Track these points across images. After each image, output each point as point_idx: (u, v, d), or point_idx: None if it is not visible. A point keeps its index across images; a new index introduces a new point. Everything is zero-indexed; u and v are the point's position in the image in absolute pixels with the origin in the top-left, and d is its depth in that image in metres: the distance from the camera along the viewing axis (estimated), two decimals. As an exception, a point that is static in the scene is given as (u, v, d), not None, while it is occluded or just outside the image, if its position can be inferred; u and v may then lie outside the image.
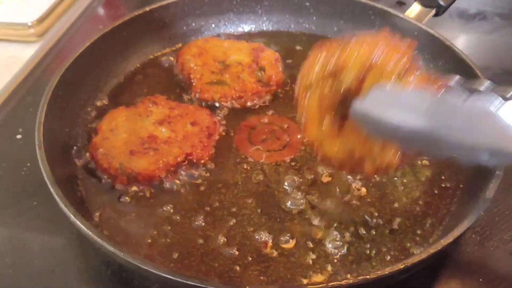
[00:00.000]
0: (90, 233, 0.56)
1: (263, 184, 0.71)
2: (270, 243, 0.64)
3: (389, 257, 0.62)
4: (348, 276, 0.58)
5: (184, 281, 0.51)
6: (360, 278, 0.51)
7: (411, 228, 0.66)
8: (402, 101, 0.54)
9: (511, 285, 0.63)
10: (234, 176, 0.72)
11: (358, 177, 0.71)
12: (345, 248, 0.63)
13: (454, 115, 0.51)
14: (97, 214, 0.67)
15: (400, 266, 0.52)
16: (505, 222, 0.70)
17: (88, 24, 1.10)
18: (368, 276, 0.51)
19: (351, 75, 0.57)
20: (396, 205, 0.68)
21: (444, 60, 0.83)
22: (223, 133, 0.78)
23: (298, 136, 0.77)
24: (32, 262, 0.66)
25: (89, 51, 0.82)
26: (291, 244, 0.64)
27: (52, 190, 0.61)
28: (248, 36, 0.97)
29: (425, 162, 0.74)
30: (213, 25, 0.97)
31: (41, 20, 1.04)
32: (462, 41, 1.04)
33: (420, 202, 0.69)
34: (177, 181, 0.71)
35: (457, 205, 0.67)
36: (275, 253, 0.63)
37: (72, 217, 0.58)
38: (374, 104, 0.55)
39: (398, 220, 0.66)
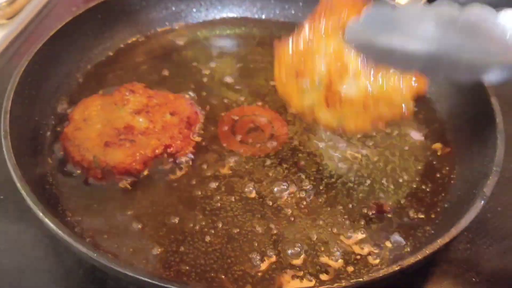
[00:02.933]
0: (60, 232, 0.51)
1: (247, 178, 0.67)
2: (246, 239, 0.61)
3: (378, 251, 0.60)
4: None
5: (163, 285, 0.47)
6: (353, 281, 0.48)
7: (403, 225, 0.63)
8: (398, 20, 0.52)
9: (505, 283, 0.61)
10: (216, 169, 0.68)
11: (343, 167, 0.68)
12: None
13: (452, 25, 0.49)
14: (68, 210, 0.63)
15: (395, 268, 0.49)
16: (497, 219, 0.67)
17: (60, 6, 1.04)
18: (361, 279, 0.48)
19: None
20: (388, 202, 0.65)
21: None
22: (205, 124, 0.74)
23: (285, 129, 0.74)
24: (-2, 261, 0.62)
25: (61, 34, 0.76)
26: (275, 244, 0.60)
27: (18, 185, 0.56)
28: (230, 23, 0.92)
29: (417, 152, 0.71)
30: (194, 10, 0.92)
31: (11, 1, 0.97)
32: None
33: (413, 198, 0.66)
34: (155, 175, 0.67)
35: (451, 202, 0.64)
36: (256, 251, 0.60)
37: (40, 214, 0.53)
38: (368, 25, 0.54)
39: (389, 216, 0.64)
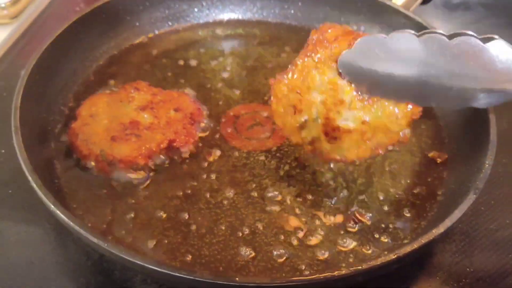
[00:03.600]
0: (71, 223, 0.53)
1: (248, 172, 0.69)
2: (247, 232, 0.63)
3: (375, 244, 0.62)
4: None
5: (170, 272, 0.49)
6: (352, 269, 0.50)
7: (398, 217, 0.65)
8: (390, 47, 0.54)
9: (498, 274, 0.63)
10: (218, 164, 0.70)
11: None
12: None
13: (443, 52, 0.52)
14: (77, 202, 0.65)
15: (393, 256, 0.51)
16: (490, 212, 0.70)
17: (63, 6, 1.06)
18: (360, 267, 0.50)
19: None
20: (382, 195, 0.67)
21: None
22: (208, 120, 0.76)
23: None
24: (8, 254, 0.64)
25: (67, 33, 0.78)
26: (277, 236, 0.62)
27: (29, 177, 0.58)
28: (231, 23, 0.94)
29: (413, 148, 0.73)
30: (196, 10, 0.94)
31: (15, 1, 0.99)
32: (446, 30, 1.03)
33: (407, 191, 0.68)
34: (160, 168, 0.69)
35: (445, 195, 0.66)
36: (258, 242, 0.62)
37: (51, 206, 0.55)
38: (361, 53, 0.55)
39: (385, 208, 0.66)
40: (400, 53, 0.55)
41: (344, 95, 0.59)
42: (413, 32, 0.55)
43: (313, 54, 0.60)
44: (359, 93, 0.59)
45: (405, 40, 0.54)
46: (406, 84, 0.55)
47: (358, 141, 0.61)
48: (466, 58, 0.52)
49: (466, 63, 0.53)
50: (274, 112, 0.65)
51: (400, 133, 0.61)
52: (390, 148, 0.63)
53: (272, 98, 0.65)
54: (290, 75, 0.62)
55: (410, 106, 0.59)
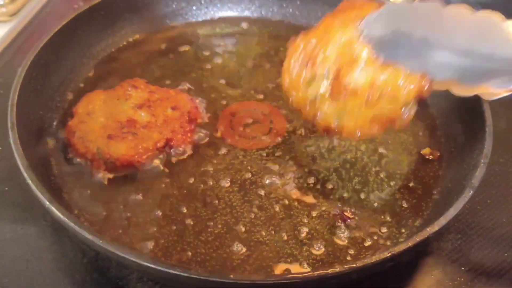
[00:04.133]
0: (66, 220, 0.53)
1: (245, 170, 0.69)
2: (243, 230, 0.63)
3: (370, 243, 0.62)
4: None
5: (166, 270, 0.49)
6: (346, 267, 0.50)
7: (393, 216, 0.65)
8: (415, 14, 0.55)
9: (494, 273, 0.63)
10: (215, 162, 0.70)
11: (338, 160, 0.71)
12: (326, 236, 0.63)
13: (464, 23, 0.53)
14: (72, 200, 0.65)
15: (387, 254, 0.51)
16: (487, 211, 0.70)
17: (62, 3, 1.06)
18: (354, 265, 0.50)
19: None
20: (378, 193, 0.68)
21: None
22: (205, 119, 0.76)
23: (283, 124, 0.76)
24: (4, 251, 0.64)
25: (65, 31, 0.78)
26: (272, 234, 0.63)
27: (25, 174, 0.58)
28: (229, 22, 0.94)
29: (410, 146, 0.73)
30: (194, 8, 0.94)
31: (13, -1, 0.99)
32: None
33: (402, 189, 0.68)
34: (157, 167, 0.69)
35: (442, 194, 0.66)
36: (254, 241, 0.62)
37: (47, 203, 0.55)
38: (385, 17, 0.56)
39: (380, 206, 0.66)
40: (423, 21, 0.55)
41: (359, 54, 0.59)
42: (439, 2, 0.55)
43: (339, 15, 0.61)
44: (375, 55, 0.58)
45: (430, 9, 0.54)
46: (425, 52, 0.55)
47: (361, 108, 0.59)
48: (487, 33, 0.52)
49: (486, 38, 0.52)
50: (284, 68, 0.64)
51: (404, 111, 0.59)
52: (385, 145, 0.62)
53: (287, 54, 0.64)
54: (312, 30, 0.62)
55: (420, 83, 0.58)
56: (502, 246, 0.66)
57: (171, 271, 0.49)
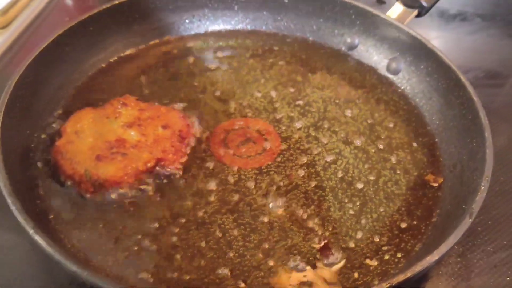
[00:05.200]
0: (51, 250, 0.51)
1: (238, 190, 0.67)
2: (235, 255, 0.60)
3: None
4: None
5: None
6: (343, 298, 0.48)
7: (393, 238, 0.63)
8: None
9: (495, 299, 0.61)
10: (207, 182, 0.68)
11: (335, 178, 0.69)
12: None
13: None
14: (58, 224, 0.63)
15: (385, 285, 0.49)
16: (487, 233, 0.68)
17: (54, 16, 1.04)
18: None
19: None
20: (374, 213, 0.66)
21: (426, 63, 0.80)
22: (197, 137, 0.74)
23: (277, 141, 0.74)
24: (-12, 277, 0.61)
25: (53, 46, 0.76)
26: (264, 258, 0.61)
27: (9, 201, 0.55)
28: (222, 35, 0.93)
29: (408, 166, 0.71)
30: (187, 21, 0.92)
31: (5, 10, 0.97)
32: (442, 41, 1.02)
33: (400, 211, 0.66)
34: (146, 188, 0.67)
35: (441, 216, 0.64)
36: (248, 266, 0.60)
37: (31, 231, 0.53)
38: None
39: (379, 229, 0.64)
40: None
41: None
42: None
43: None
44: None
45: None
46: None
47: None
48: None
49: None
50: None
51: None
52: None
53: None
54: None
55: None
56: (504, 270, 0.64)
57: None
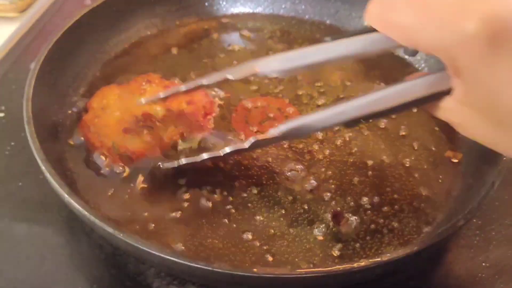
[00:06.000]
0: (86, 213, 0.52)
1: (261, 165, 0.69)
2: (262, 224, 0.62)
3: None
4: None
5: (187, 263, 0.49)
6: (371, 260, 0.49)
7: (416, 211, 0.64)
8: None
9: (514, 268, 0.63)
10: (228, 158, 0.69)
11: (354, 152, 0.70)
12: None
13: None
14: (89, 196, 0.64)
15: (404, 252, 0.50)
16: (505, 207, 0.69)
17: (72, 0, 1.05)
18: (379, 259, 0.49)
19: None
20: (394, 188, 0.67)
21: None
22: (220, 114, 0.75)
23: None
24: (19, 248, 0.63)
25: (77, 27, 0.77)
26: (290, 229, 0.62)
27: (43, 167, 0.57)
28: (240, 18, 0.94)
29: (426, 143, 0.73)
30: (206, 4, 0.93)
31: (23, -6, 0.99)
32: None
33: (422, 186, 0.67)
34: (171, 161, 0.68)
35: (461, 189, 0.66)
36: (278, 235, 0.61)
37: (66, 196, 0.54)
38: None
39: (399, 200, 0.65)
40: None
41: None
42: None
43: None
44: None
45: None
46: None
47: None
48: None
49: None
50: None
51: None
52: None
53: None
54: None
55: None
56: (522, 242, 0.66)
57: (193, 264, 0.49)
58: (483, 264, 0.63)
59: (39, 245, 0.63)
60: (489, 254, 0.64)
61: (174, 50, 0.87)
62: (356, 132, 0.74)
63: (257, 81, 0.81)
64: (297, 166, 0.68)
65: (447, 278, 0.62)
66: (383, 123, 0.75)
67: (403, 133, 0.74)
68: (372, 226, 0.62)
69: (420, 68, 0.84)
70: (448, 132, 0.74)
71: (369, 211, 0.64)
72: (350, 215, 0.63)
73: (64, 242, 0.64)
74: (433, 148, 0.72)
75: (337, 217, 0.63)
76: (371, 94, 0.52)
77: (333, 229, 0.62)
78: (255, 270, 0.49)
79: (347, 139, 0.73)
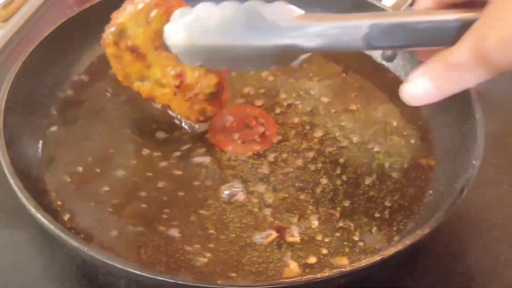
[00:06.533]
0: (52, 227, 0.53)
1: (234, 176, 0.69)
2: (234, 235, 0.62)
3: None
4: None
5: (152, 276, 0.49)
6: (335, 271, 0.49)
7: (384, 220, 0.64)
8: (210, 18, 0.55)
9: (488, 273, 0.63)
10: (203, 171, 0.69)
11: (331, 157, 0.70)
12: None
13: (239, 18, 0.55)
14: (65, 204, 0.64)
15: (377, 258, 0.50)
16: (480, 213, 0.69)
17: (54, 9, 1.06)
18: (344, 269, 0.49)
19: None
20: (366, 196, 0.67)
21: (420, 50, 0.81)
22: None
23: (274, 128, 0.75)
24: (-8, 257, 0.63)
25: (55, 36, 0.77)
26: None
27: (11, 181, 0.57)
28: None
29: (402, 149, 0.73)
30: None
31: (7, 4, 0.99)
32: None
33: (393, 192, 0.68)
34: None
35: (433, 196, 0.66)
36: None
37: (33, 210, 0.55)
38: (185, 29, 0.57)
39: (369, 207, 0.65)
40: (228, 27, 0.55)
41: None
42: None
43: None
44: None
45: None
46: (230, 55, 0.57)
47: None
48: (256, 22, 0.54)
49: (257, 26, 0.54)
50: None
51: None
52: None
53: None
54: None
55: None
56: (497, 248, 0.66)
57: (158, 277, 0.49)
58: (458, 270, 0.63)
59: (12, 255, 0.64)
60: (464, 261, 0.65)
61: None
62: (331, 140, 0.74)
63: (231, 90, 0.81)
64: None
65: (422, 284, 0.62)
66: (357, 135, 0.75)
67: (380, 140, 0.74)
68: (344, 234, 0.62)
69: (397, 74, 0.84)
70: (422, 139, 0.74)
71: (340, 220, 0.64)
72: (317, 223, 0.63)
73: (37, 252, 0.64)
74: (407, 156, 0.72)
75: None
76: None
77: (305, 238, 0.62)
78: (219, 282, 0.49)
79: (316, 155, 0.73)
